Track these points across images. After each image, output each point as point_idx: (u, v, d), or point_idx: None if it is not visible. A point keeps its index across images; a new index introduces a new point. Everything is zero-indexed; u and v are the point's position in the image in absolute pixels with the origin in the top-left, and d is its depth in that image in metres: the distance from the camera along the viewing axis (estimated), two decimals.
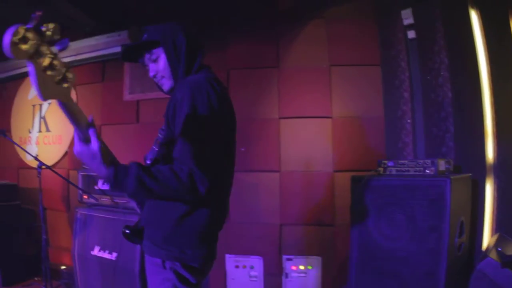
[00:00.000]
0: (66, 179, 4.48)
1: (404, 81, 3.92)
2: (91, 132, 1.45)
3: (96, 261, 4.12)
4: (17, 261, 5.07)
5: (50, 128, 5.64)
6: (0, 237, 4.92)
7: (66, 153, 5.45)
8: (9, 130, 6.12)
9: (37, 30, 1.18)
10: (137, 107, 4.87)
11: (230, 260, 4.17)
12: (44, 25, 1.21)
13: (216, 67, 4.42)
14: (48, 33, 1.20)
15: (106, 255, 4.05)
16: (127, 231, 1.92)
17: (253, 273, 4.10)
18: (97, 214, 4.27)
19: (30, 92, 5.92)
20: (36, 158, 4.44)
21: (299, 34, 4.34)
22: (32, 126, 5.82)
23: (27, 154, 5.68)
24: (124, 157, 1.70)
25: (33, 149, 5.63)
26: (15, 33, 1.11)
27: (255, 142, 4.31)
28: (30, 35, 1.16)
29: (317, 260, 4.03)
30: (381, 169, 3.23)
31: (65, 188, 5.34)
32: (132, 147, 4.58)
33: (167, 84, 1.96)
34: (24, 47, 1.14)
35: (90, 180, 4.47)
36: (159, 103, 4.46)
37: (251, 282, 4.09)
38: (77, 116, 1.41)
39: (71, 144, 5.42)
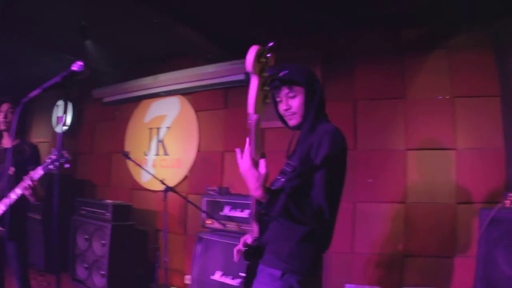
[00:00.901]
0: (195, 205, 4.52)
1: None
2: (262, 160, 1.77)
3: (217, 286, 4.11)
4: (127, 280, 5.16)
5: (168, 152, 5.77)
6: (112, 256, 5.04)
7: (185, 177, 5.53)
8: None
9: (268, 52, 1.62)
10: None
11: None
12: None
13: (342, 98, 4.51)
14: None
15: (228, 280, 4.03)
16: (247, 248, 2.08)
17: None
18: (220, 240, 4.26)
19: (146, 115, 6.12)
20: (162, 182, 4.52)
21: (423, 64, 4.27)
22: (149, 149, 5.99)
23: (142, 176, 5.87)
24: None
25: (149, 171, 5.74)
26: (258, 51, 1.63)
27: (380, 173, 4.29)
28: (264, 54, 1.63)
29: None
30: (507, 201, 3.20)
31: (183, 211, 5.40)
32: None
33: (295, 120, 2.15)
34: (259, 63, 1.61)
35: (215, 205, 4.48)
36: (284, 132, 4.43)
37: None
38: (258, 136, 1.75)
39: (192, 168, 5.54)
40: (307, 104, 2.11)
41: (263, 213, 1.90)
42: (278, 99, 2.19)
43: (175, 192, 4.51)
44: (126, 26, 4.87)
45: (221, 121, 5.33)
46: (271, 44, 1.69)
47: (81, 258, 5.45)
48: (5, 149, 3.56)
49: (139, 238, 5.59)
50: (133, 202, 5.84)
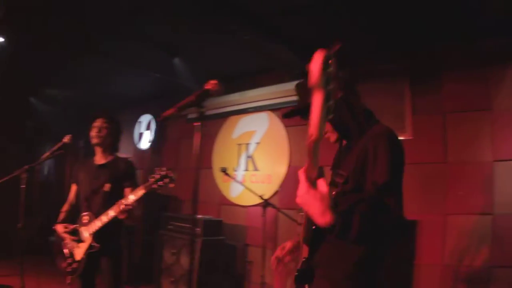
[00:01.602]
0: (295, 220, 4.49)
1: None
2: (321, 179, 1.43)
3: None
4: None
5: (258, 167, 5.79)
6: (201, 270, 5.07)
7: (276, 192, 5.52)
8: (210, 167, 6.44)
9: (332, 58, 1.23)
10: None
11: None
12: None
13: (431, 111, 4.43)
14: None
15: None
16: (297, 273, 1.88)
17: None
18: None
19: (234, 131, 6.19)
20: (262, 198, 4.54)
21: (508, 76, 4.14)
22: (238, 164, 6.04)
23: (231, 191, 5.93)
24: None
25: (239, 187, 5.79)
26: (324, 58, 1.21)
27: (469, 185, 4.16)
28: (329, 61, 1.22)
29: None
30: None
31: (273, 226, 5.39)
32: None
33: (332, 137, 2.00)
34: (324, 73, 1.21)
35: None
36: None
37: None
38: (317, 155, 1.37)
39: (282, 183, 5.51)
40: (334, 120, 1.85)
41: (334, 236, 1.56)
42: None
43: (274, 207, 4.51)
44: (215, 43, 4.97)
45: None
46: (337, 47, 1.35)
47: (167, 272, 5.51)
48: (99, 166, 3.49)
49: (227, 253, 5.62)
50: (221, 217, 5.89)
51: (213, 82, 1.87)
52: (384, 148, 1.75)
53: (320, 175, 1.45)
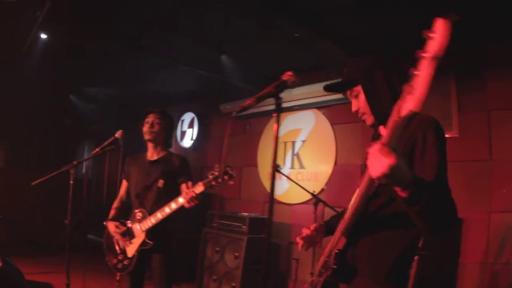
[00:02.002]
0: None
1: None
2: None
3: None
4: None
5: (304, 165, 5.77)
6: (247, 268, 5.11)
7: (322, 190, 5.49)
8: (255, 165, 6.46)
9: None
10: None
11: None
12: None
13: (474, 108, 4.32)
14: None
15: None
16: (336, 267, 1.85)
17: None
18: None
19: (279, 129, 6.17)
20: (313, 195, 4.54)
21: None
22: (284, 162, 6.03)
23: (277, 189, 5.93)
24: None
25: (284, 185, 5.78)
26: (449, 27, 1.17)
27: None
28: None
29: None
30: None
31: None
32: None
33: (368, 120, 1.97)
34: None
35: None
36: None
37: None
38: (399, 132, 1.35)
39: (329, 181, 5.49)
40: (372, 100, 1.91)
41: (409, 206, 1.48)
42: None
43: (326, 204, 4.47)
44: (263, 40, 4.97)
45: (359, 134, 5.23)
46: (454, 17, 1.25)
47: (210, 270, 5.53)
48: (152, 161, 3.50)
49: (272, 251, 5.62)
50: (266, 215, 5.88)
51: (289, 73, 1.87)
52: (433, 138, 1.69)
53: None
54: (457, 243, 4.19)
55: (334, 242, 1.92)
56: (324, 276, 1.93)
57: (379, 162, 1.35)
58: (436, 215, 1.51)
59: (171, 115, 3.70)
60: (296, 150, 5.90)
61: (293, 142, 5.97)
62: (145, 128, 3.48)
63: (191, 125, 7.86)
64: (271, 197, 1.84)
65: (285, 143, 6.06)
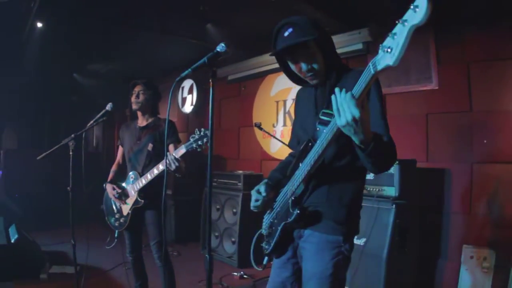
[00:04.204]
0: None
1: None
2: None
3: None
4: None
5: None
6: (243, 223, 5.36)
7: None
8: (251, 125, 6.64)
9: None
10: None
11: (466, 251, 4.05)
12: None
13: (453, 61, 4.32)
14: None
15: (355, 241, 4.08)
16: (299, 212, 1.96)
17: (485, 264, 3.91)
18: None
19: (272, 89, 6.33)
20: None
21: None
22: (277, 121, 6.21)
23: (271, 147, 6.14)
24: None
25: (277, 142, 5.95)
26: None
27: (496, 134, 4.10)
28: None
29: None
30: None
31: None
32: None
33: (320, 78, 1.99)
34: None
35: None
36: (404, 97, 4.64)
37: (483, 273, 3.92)
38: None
39: None
40: (327, 56, 1.94)
41: (366, 155, 1.63)
42: (290, 60, 1.99)
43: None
44: (244, 6, 5.05)
45: None
46: None
47: (212, 227, 5.75)
48: (141, 127, 3.74)
49: None
50: (263, 172, 6.10)
51: (222, 44, 1.98)
52: (377, 94, 1.83)
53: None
54: (439, 193, 4.33)
55: (290, 191, 2.02)
56: (281, 224, 2.05)
57: (347, 111, 1.49)
58: (384, 164, 1.77)
59: (155, 84, 3.88)
60: (287, 108, 6.06)
61: (284, 101, 6.11)
62: (132, 99, 3.72)
63: (190, 91, 8.02)
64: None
65: (277, 102, 6.21)
